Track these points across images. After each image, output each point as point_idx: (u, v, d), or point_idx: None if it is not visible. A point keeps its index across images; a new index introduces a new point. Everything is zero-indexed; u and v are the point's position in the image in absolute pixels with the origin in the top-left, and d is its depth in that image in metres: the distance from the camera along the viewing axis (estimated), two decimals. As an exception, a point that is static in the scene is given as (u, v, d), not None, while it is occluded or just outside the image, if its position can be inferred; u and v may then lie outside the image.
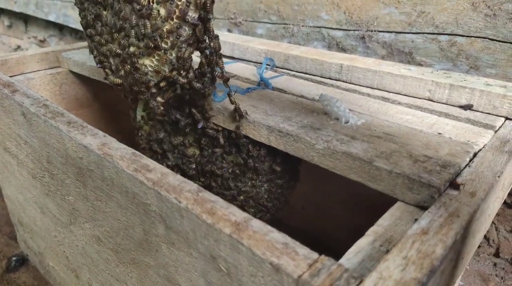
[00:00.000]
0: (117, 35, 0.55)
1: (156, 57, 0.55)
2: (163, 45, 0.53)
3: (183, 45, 0.54)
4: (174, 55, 0.54)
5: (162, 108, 0.60)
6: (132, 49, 0.54)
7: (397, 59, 0.88)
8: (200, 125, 0.61)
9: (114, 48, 0.56)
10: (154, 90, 0.58)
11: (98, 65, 0.62)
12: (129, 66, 0.56)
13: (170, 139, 0.68)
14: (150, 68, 0.55)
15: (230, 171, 0.64)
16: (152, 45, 0.53)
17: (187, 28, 0.54)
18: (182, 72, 0.56)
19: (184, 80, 0.56)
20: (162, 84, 0.57)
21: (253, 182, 0.64)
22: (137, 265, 0.51)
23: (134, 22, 0.52)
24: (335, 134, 0.51)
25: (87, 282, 0.69)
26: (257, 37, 1.10)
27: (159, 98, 0.59)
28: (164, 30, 0.53)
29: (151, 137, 0.71)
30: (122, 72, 0.58)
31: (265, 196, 0.65)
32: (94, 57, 0.62)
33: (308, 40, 1.01)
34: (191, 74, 0.56)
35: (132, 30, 0.53)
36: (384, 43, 0.88)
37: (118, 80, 0.59)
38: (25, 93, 0.62)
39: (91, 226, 0.57)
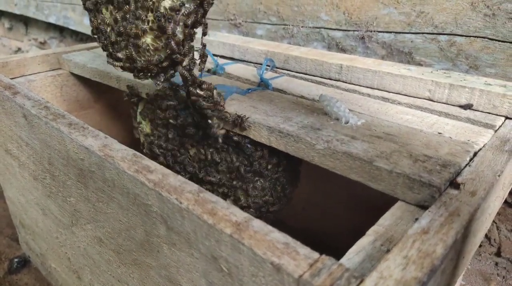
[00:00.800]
0: (120, 12, 0.55)
1: (158, 35, 0.55)
2: (167, 24, 0.53)
3: (187, 23, 0.54)
4: (177, 34, 0.54)
5: (164, 85, 0.60)
6: (134, 29, 0.54)
7: (397, 59, 0.88)
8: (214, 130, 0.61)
9: (117, 26, 0.56)
10: (155, 69, 0.58)
11: (97, 41, 0.61)
12: (131, 48, 0.55)
13: (172, 140, 0.68)
14: (151, 47, 0.55)
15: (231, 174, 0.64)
16: (156, 25, 0.53)
17: (191, 6, 0.53)
18: (182, 53, 0.56)
19: (185, 63, 0.56)
20: (164, 64, 0.57)
21: (256, 183, 0.64)
22: (138, 266, 0.51)
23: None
24: (335, 135, 0.52)
25: (89, 283, 0.69)
26: (257, 38, 1.10)
27: (161, 78, 0.59)
28: (168, 8, 0.52)
29: (151, 138, 0.71)
30: (124, 52, 0.57)
31: (267, 197, 0.65)
32: (97, 39, 0.61)
33: (308, 41, 1.01)
34: (191, 56, 0.56)
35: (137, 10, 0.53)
36: (383, 44, 0.88)
37: (119, 63, 0.59)
38: (26, 96, 0.62)
39: (93, 227, 0.58)
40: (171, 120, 0.65)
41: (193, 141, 0.66)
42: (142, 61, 0.56)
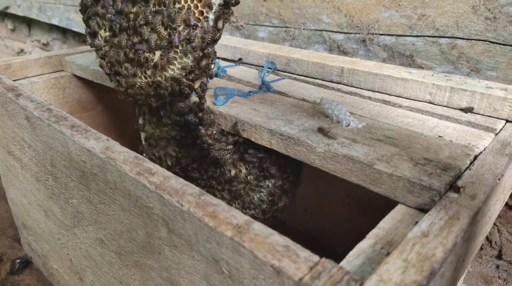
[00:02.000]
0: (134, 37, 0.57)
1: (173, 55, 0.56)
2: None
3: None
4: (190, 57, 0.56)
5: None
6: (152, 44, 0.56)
7: (398, 62, 0.88)
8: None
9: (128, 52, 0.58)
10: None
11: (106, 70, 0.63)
12: (145, 75, 0.57)
13: (176, 145, 0.68)
14: (171, 72, 0.57)
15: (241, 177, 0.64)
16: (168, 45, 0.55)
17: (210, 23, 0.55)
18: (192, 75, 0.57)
19: (197, 85, 0.57)
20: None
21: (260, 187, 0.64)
22: (140, 268, 0.52)
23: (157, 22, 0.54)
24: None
25: (90, 284, 0.69)
26: (259, 40, 1.10)
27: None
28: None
29: (154, 142, 0.71)
30: (142, 78, 0.59)
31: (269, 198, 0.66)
32: (101, 61, 0.63)
33: (309, 44, 1.01)
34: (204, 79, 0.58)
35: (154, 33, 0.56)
36: (385, 46, 0.88)
37: (122, 88, 0.61)
38: (29, 97, 0.63)
39: (95, 229, 0.58)
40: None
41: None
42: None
